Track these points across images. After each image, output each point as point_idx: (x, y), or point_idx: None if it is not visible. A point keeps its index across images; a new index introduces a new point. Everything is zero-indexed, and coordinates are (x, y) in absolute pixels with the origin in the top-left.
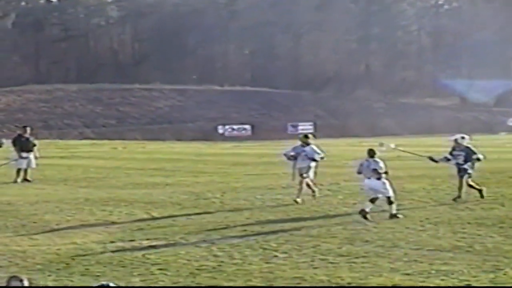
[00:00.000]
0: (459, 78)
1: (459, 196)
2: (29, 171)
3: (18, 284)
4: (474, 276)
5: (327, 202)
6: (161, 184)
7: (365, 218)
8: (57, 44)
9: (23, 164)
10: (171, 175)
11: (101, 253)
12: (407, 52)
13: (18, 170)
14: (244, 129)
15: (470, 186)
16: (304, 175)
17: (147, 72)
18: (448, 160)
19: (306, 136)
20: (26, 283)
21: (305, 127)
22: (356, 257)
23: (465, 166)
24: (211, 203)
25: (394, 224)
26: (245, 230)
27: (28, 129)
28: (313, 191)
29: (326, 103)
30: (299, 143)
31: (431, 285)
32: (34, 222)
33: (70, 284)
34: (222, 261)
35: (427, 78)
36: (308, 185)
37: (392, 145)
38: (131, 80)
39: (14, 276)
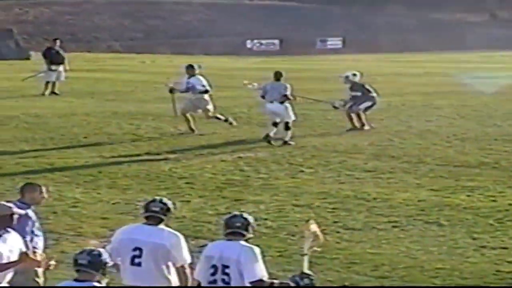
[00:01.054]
0: None
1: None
2: (57, 84)
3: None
4: (500, 192)
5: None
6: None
7: (269, 142)
8: None
9: (52, 77)
10: None
11: (128, 166)
12: None
13: (47, 83)
14: (273, 43)
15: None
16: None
17: None
18: (346, 103)
19: (190, 66)
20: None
21: (334, 42)
22: (382, 173)
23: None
24: (238, 118)
25: (421, 140)
26: (271, 146)
27: (58, 42)
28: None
29: (356, 18)
30: None
31: (456, 200)
32: (62, 135)
33: (98, 196)
34: (248, 176)
35: None
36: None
37: (256, 85)
38: None
39: (29, 183)
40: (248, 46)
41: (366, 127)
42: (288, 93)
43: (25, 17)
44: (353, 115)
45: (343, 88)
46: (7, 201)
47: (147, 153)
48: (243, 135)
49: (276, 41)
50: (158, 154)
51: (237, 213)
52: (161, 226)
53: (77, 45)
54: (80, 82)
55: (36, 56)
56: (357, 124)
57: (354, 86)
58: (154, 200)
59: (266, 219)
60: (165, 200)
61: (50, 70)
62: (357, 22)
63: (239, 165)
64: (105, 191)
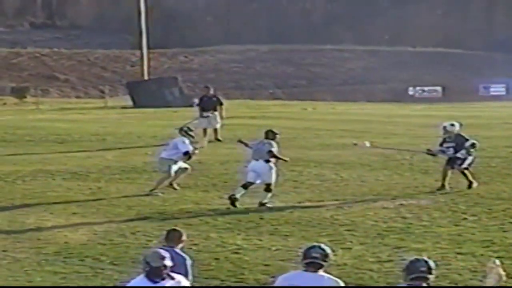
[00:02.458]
0: None
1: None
2: (219, 130)
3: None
4: None
5: None
6: (350, 145)
7: (233, 204)
8: (248, 4)
9: (203, 123)
10: (360, 136)
11: (290, 213)
12: None
13: (205, 130)
14: (435, 90)
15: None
16: None
17: (339, 33)
18: (443, 152)
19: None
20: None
21: (497, 89)
22: None
23: (459, 155)
24: (400, 165)
25: None
26: (433, 192)
27: (212, 89)
28: None
29: None
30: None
31: None
32: (225, 182)
33: (259, 243)
34: (410, 223)
35: None
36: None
37: (367, 143)
38: (323, 41)
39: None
40: (410, 93)
41: (475, 185)
42: (272, 151)
43: (190, 65)
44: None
45: (510, 135)
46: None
47: (309, 200)
48: (405, 182)
49: (439, 88)
50: (320, 201)
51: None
52: (321, 272)
53: (240, 92)
54: (243, 129)
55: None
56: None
57: (451, 138)
58: (313, 247)
59: None
60: (323, 246)
61: (202, 116)
62: None
63: (401, 212)
64: (266, 237)
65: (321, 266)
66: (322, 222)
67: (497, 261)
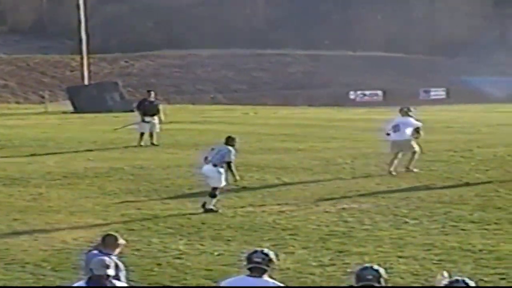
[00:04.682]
0: None
1: None
2: (155, 135)
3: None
4: None
5: (459, 168)
6: (292, 150)
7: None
8: (190, 9)
9: (145, 128)
10: (302, 140)
11: (232, 217)
12: None
13: (142, 134)
14: (376, 94)
15: None
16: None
17: (280, 37)
18: None
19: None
20: (120, 241)
21: (438, 93)
22: (488, 224)
23: None
24: (341, 169)
25: None
26: (375, 196)
27: (152, 93)
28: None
29: (460, 68)
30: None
31: None
32: (167, 187)
33: (202, 247)
34: (352, 227)
35: None
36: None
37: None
38: (264, 45)
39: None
40: (351, 97)
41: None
42: (225, 156)
43: (131, 69)
44: None
45: (451, 138)
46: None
47: (251, 205)
48: (347, 186)
49: (379, 92)
50: (262, 205)
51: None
52: (265, 277)
53: (181, 97)
54: (184, 134)
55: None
56: None
57: None
58: (256, 251)
59: None
60: (267, 250)
61: (144, 121)
62: (461, 72)
63: (343, 216)
64: (209, 242)
65: (264, 271)
66: (265, 227)
67: (446, 273)
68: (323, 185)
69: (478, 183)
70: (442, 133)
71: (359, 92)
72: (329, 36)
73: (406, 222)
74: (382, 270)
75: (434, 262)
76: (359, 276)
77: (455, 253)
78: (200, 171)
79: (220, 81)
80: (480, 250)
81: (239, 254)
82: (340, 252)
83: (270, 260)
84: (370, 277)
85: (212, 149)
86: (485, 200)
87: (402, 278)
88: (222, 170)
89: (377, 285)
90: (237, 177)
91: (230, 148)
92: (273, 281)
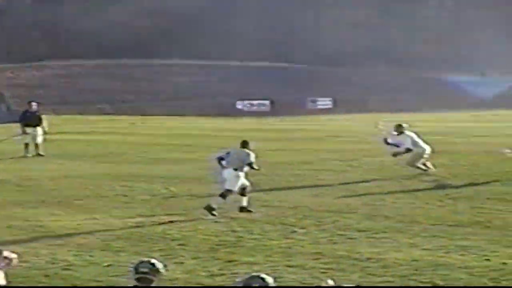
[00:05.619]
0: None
1: None
2: (40, 145)
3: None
4: (493, 251)
5: (346, 177)
6: (181, 160)
7: (212, 213)
8: (75, 20)
9: (27, 139)
10: (191, 150)
11: (121, 228)
12: (426, 26)
13: (26, 145)
14: (263, 104)
15: None
16: None
17: (167, 47)
18: None
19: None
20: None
21: (324, 103)
22: (376, 233)
23: None
24: None
25: (414, 199)
26: (264, 206)
27: (34, 104)
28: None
29: (346, 78)
30: None
31: (450, 260)
32: (54, 198)
33: (90, 259)
34: (241, 236)
35: (447, 53)
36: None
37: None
38: (150, 55)
39: None
40: (239, 107)
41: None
42: (247, 160)
43: (17, 80)
44: None
45: (339, 148)
46: None
47: (140, 215)
48: (236, 196)
49: (267, 102)
50: (151, 216)
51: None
52: None
53: (68, 107)
54: (72, 144)
55: None
56: None
57: None
58: (142, 262)
59: None
60: (153, 261)
61: (25, 133)
62: (347, 82)
63: (232, 226)
64: (98, 253)
65: (151, 281)
66: (154, 237)
67: (331, 281)
68: (212, 195)
69: (366, 192)
70: (329, 143)
71: (246, 102)
72: (215, 46)
73: (294, 231)
74: (269, 279)
75: (322, 271)
76: (246, 285)
77: (343, 262)
78: (221, 175)
79: (107, 91)
80: (368, 259)
81: (129, 265)
82: (229, 261)
83: (157, 270)
84: (256, 285)
85: (228, 153)
86: (372, 209)
87: None
88: (241, 174)
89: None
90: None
91: (247, 151)
92: None
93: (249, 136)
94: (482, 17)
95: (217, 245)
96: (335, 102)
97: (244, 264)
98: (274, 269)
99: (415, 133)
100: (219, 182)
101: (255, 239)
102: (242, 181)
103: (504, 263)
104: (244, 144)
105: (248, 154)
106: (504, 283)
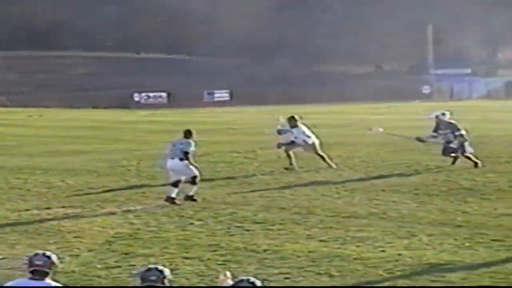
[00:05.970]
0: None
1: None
2: None
3: None
4: (389, 243)
5: (243, 169)
6: (77, 152)
7: (174, 203)
8: None
9: None
10: (87, 142)
11: (16, 221)
12: (322, 19)
13: None
14: (160, 96)
15: (468, 157)
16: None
17: (63, 39)
18: (435, 137)
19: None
20: None
21: (222, 95)
22: (272, 224)
23: (452, 145)
24: (127, 171)
25: (310, 191)
26: (161, 198)
27: None
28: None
29: (243, 71)
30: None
31: (346, 251)
32: None
33: None
34: (138, 229)
35: (342, 45)
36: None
37: (381, 129)
38: (46, 47)
39: None
40: (136, 99)
41: (480, 164)
42: (188, 150)
43: None
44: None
45: (235, 140)
46: None
47: (36, 208)
48: (132, 188)
49: (164, 94)
50: (47, 208)
51: (151, 266)
52: (48, 280)
53: None
54: None
55: None
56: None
57: (444, 125)
58: (37, 254)
59: None
60: (48, 253)
61: None
62: (244, 74)
63: (128, 218)
64: None
65: (46, 274)
66: (50, 230)
67: (228, 273)
68: (108, 188)
69: (263, 184)
70: (226, 135)
71: (143, 94)
72: (111, 38)
73: (191, 223)
74: (166, 271)
75: (219, 262)
76: (143, 278)
77: (240, 254)
78: (166, 167)
79: (3, 84)
80: (265, 250)
81: (24, 258)
82: (126, 254)
83: (52, 262)
84: (154, 278)
85: (174, 145)
86: (269, 200)
87: (187, 279)
88: (186, 161)
89: (160, 285)
90: (198, 170)
91: (189, 140)
92: (56, 283)
93: (145, 128)
94: (376, 10)
95: (113, 237)
96: (232, 95)
97: (140, 256)
98: (171, 261)
99: (306, 125)
100: (166, 172)
101: (151, 231)
102: (188, 170)
103: (399, 254)
104: (187, 134)
105: (188, 144)
106: (398, 274)
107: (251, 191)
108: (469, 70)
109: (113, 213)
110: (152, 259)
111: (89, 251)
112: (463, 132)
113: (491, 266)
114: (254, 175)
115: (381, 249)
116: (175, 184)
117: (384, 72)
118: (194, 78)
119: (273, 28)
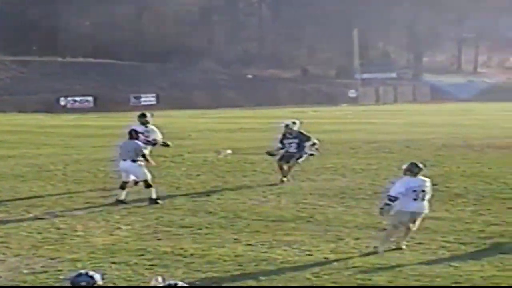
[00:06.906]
0: (300, 49)
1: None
2: None
3: None
4: (316, 246)
5: (170, 173)
6: (3, 157)
7: (123, 202)
8: None
9: None
10: (13, 147)
11: None
12: (248, 23)
13: None
14: (87, 100)
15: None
16: None
17: None
18: (281, 149)
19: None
20: None
21: (148, 99)
22: (199, 228)
23: (292, 150)
24: (53, 175)
25: (237, 195)
26: (87, 202)
27: None
28: None
29: (170, 75)
30: None
31: (273, 255)
32: None
33: None
34: (65, 234)
35: (268, 49)
36: None
37: (229, 151)
38: None
39: None
40: (62, 103)
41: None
42: (138, 150)
43: None
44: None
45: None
46: None
47: None
48: (59, 193)
49: (90, 98)
50: None
51: (82, 271)
52: None
53: None
54: None
55: None
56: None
57: (292, 134)
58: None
59: None
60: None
61: None
62: (171, 78)
63: (55, 223)
64: None
65: None
66: None
67: (160, 278)
68: (35, 192)
69: (189, 188)
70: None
71: (69, 98)
72: (38, 43)
73: (118, 228)
74: (97, 277)
75: (147, 267)
76: (73, 283)
77: (167, 258)
78: (119, 168)
79: None
80: (192, 255)
81: None
82: (53, 259)
83: None
84: (84, 283)
85: (121, 147)
86: (196, 205)
87: (114, 283)
88: (141, 163)
89: None
90: (153, 162)
91: (136, 141)
92: None
93: (71, 132)
94: (302, 15)
95: (40, 242)
96: (158, 98)
97: (67, 262)
98: (98, 266)
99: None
100: (118, 175)
101: (78, 236)
102: (140, 172)
103: (325, 258)
104: (132, 135)
105: (138, 144)
106: (325, 278)
107: (178, 195)
108: (394, 74)
109: (39, 218)
110: (79, 264)
111: (16, 256)
112: (315, 140)
113: (417, 269)
114: (181, 179)
115: (308, 252)
116: (122, 186)
117: (311, 76)
118: (121, 82)
119: (200, 32)
